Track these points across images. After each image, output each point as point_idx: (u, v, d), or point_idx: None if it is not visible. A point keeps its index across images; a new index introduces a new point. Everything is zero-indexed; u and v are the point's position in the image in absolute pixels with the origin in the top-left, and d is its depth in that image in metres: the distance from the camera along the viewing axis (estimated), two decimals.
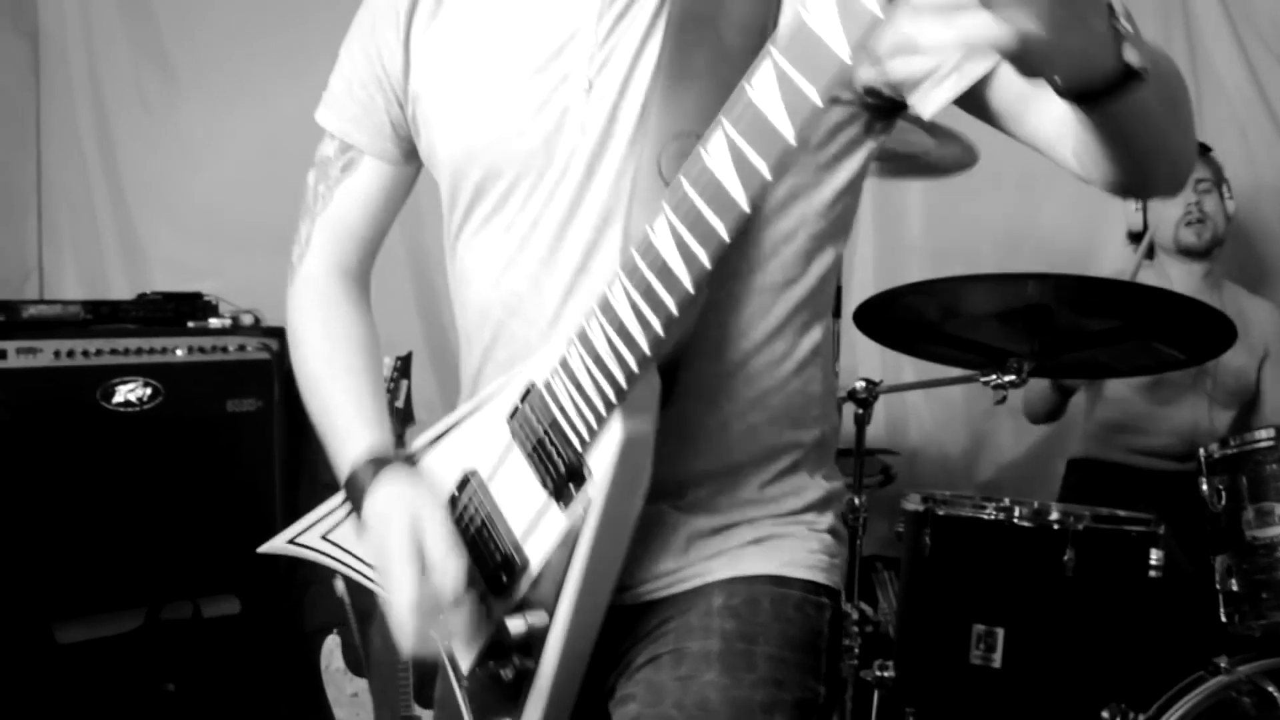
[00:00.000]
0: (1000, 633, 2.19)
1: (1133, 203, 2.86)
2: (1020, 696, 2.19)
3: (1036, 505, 2.21)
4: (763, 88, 0.80)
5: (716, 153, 0.84)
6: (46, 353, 2.54)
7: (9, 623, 2.47)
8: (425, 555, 1.05)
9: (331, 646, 2.59)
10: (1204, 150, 2.83)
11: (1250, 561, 1.90)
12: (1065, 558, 2.14)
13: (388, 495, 1.10)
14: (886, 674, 2.37)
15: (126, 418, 2.64)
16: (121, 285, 2.96)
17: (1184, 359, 2.37)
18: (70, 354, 2.56)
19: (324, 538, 1.27)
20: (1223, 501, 1.96)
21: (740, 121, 0.83)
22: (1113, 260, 3.23)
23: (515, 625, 1.06)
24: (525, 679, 1.06)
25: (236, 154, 3.01)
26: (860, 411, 2.44)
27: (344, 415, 1.19)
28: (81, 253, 2.94)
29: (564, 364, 1.00)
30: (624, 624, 1.11)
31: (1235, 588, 1.93)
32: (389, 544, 1.06)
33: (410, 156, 1.25)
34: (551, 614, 1.04)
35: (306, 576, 2.88)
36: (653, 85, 1.06)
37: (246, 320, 2.90)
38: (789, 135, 0.80)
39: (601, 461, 0.99)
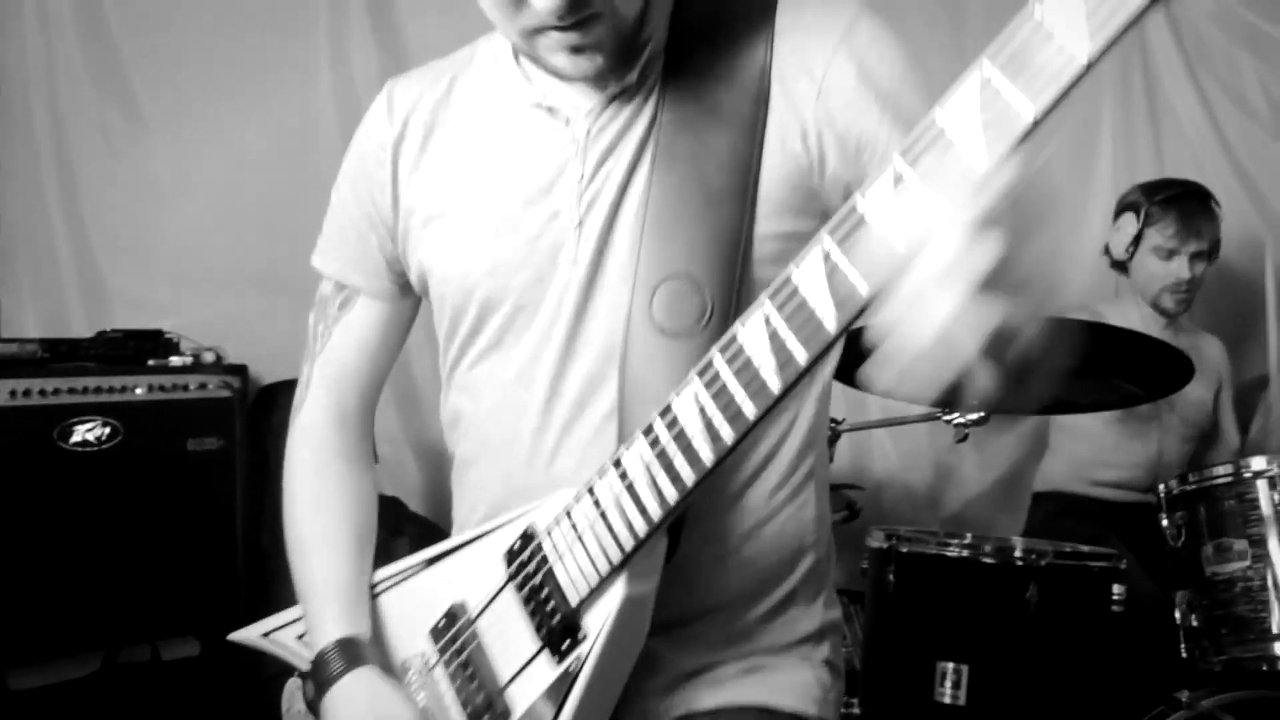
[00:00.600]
0: (965, 669, 2.19)
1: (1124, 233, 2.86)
2: None
3: (999, 542, 2.21)
4: (810, 275, 0.79)
5: (753, 334, 0.83)
6: (2, 392, 2.49)
7: None
8: None
9: (293, 689, 2.54)
10: (1211, 211, 2.80)
11: (1210, 597, 1.91)
12: (1029, 594, 2.14)
13: (357, 692, 1.08)
14: (852, 711, 2.36)
15: (85, 457, 2.60)
16: (81, 323, 2.92)
17: (1144, 395, 2.39)
18: (27, 393, 2.52)
19: (300, 638, 1.24)
20: (1182, 537, 1.98)
21: (783, 306, 0.81)
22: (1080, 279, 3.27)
23: None
24: None
25: (201, 192, 2.99)
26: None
27: (319, 590, 1.17)
28: (40, 291, 2.90)
29: (569, 515, 0.99)
30: None
31: (1195, 623, 1.94)
32: None
33: (407, 291, 1.25)
34: None
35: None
36: (640, 226, 1.06)
37: (208, 358, 2.87)
38: (831, 326, 0.79)
39: (599, 620, 0.98)
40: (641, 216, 1.06)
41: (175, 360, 2.79)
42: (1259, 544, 1.82)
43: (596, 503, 0.95)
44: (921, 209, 0.71)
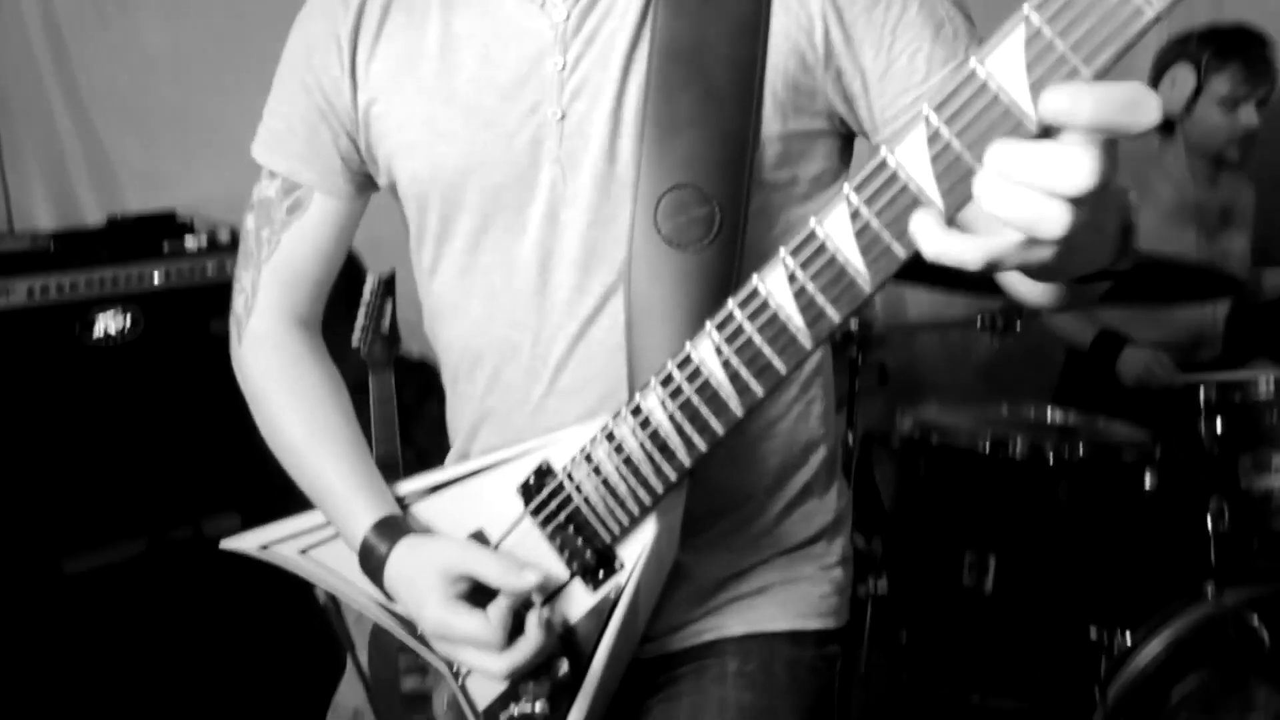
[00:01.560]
0: (992, 559, 2.22)
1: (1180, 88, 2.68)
2: (1010, 619, 2.23)
3: (1031, 434, 2.19)
4: (838, 230, 0.74)
5: (777, 289, 0.79)
6: (19, 292, 2.46)
7: (18, 558, 2.49)
8: (491, 584, 1.00)
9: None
10: (1272, 55, 2.62)
11: (1244, 509, 1.89)
12: (1059, 488, 2.14)
13: (409, 558, 1.05)
14: (879, 591, 2.41)
15: (108, 350, 2.59)
16: (92, 206, 2.85)
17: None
18: (44, 290, 2.49)
19: (304, 553, 1.23)
20: (1220, 445, 1.94)
21: (809, 262, 0.76)
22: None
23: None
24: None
25: (198, 61, 2.85)
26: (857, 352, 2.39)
27: (339, 485, 1.12)
28: (48, 176, 2.82)
29: (589, 458, 0.97)
30: (639, 675, 1.11)
31: (1226, 531, 1.93)
32: (428, 607, 1.02)
33: (363, 189, 1.17)
34: (579, 672, 1.03)
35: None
36: (639, 129, 0.99)
37: (223, 237, 2.81)
38: (865, 286, 0.74)
39: (633, 553, 0.99)
40: (640, 118, 0.99)
41: (190, 242, 2.73)
42: None
43: (619, 448, 0.94)
44: (958, 164, 0.66)
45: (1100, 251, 0.77)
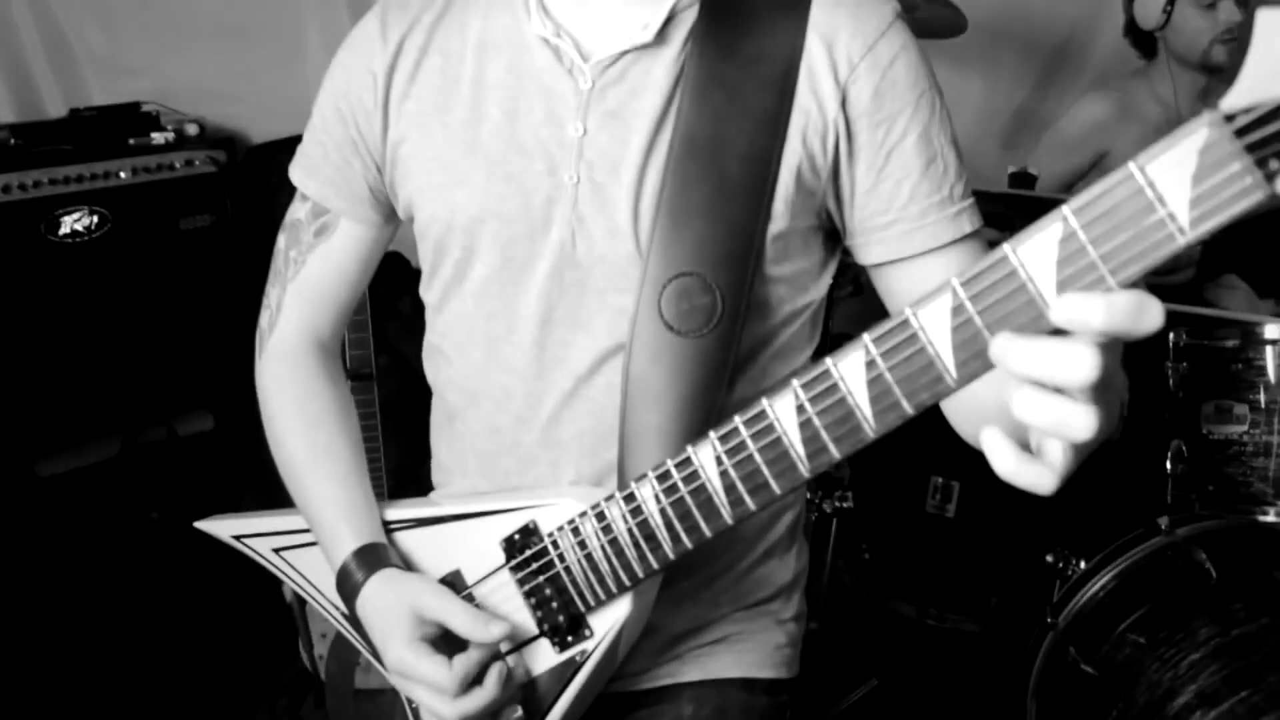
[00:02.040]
0: (956, 485, 2.27)
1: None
2: (971, 543, 2.31)
3: None
4: (852, 377, 0.76)
5: (784, 417, 0.81)
6: None
7: None
8: (456, 631, 1.02)
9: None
10: None
11: (1203, 454, 1.94)
12: None
13: (383, 590, 1.07)
14: (845, 504, 2.48)
15: (77, 248, 2.55)
16: (55, 97, 2.76)
17: None
18: (7, 189, 2.43)
19: (277, 552, 1.26)
20: (1185, 389, 1.98)
21: (818, 401, 0.78)
22: (1104, 50, 3.08)
23: None
24: None
25: None
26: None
27: (329, 505, 1.14)
28: (7, 66, 2.71)
29: (575, 531, 0.99)
30: (594, 711, 1.13)
31: (1183, 473, 1.98)
32: (393, 642, 1.04)
33: (390, 219, 1.20)
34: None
35: None
36: (655, 217, 1.01)
37: (191, 130, 2.75)
38: (869, 432, 0.77)
39: (605, 624, 1.02)
40: (656, 202, 1.02)
41: (157, 137, 2.66)
42: (1259, 411, 1.83)
43: (607, 528, 0.97)
44: (977, 339, 0.69)
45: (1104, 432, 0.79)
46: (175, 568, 2.64)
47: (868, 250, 1.07)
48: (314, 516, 1.15)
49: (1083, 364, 0.64)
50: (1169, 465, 1.99)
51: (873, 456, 2.33)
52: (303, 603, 1.38)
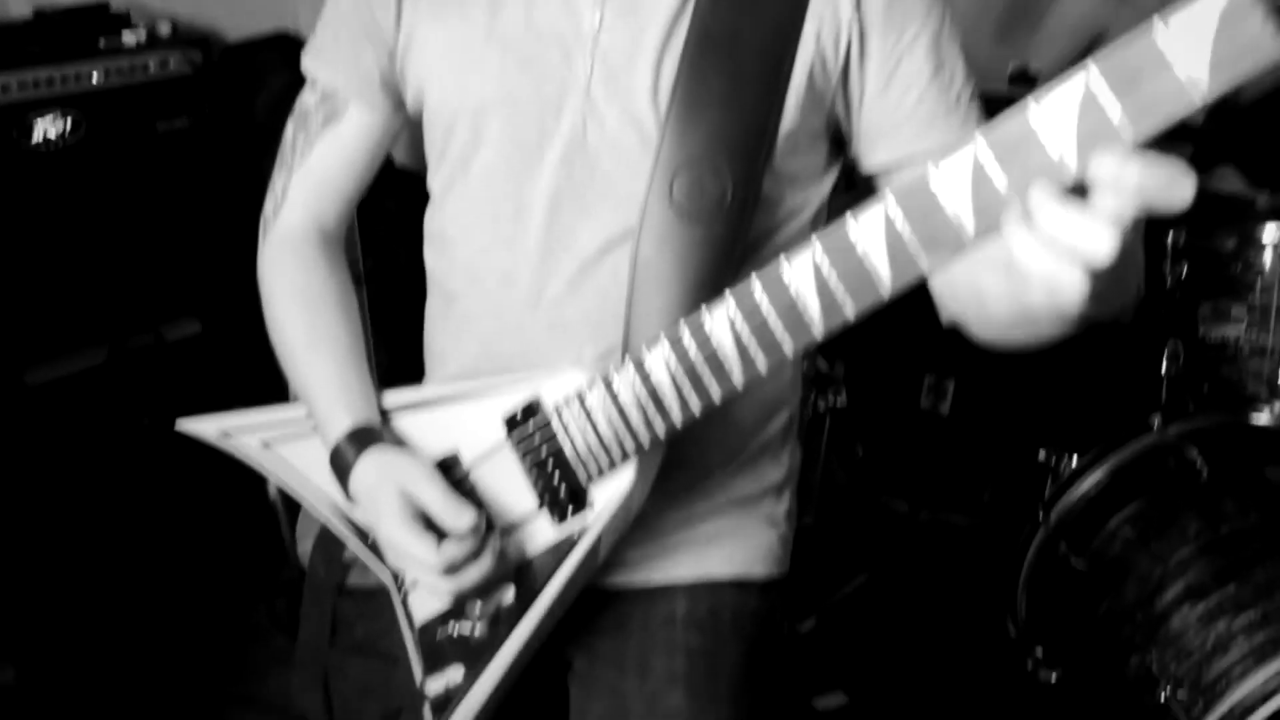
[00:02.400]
0: (950, 383, 2.28)
1: None
2: (964, 440, 2.32)
3: None
4: (869, 231, 0.77)
5: (800, 273, 0.83)
6: None
7: None
8: (432, 517, 1.03)
9: None
10: None
11: (1199, 355, 1.94)
12: None
13: (374, 468, 1.07)
14: (839, 402, 2.48)
15: (51, 155, 2.48)
16: None
17: None
18: None
19: (267, 446, 1.25)
20: (1182, 289, 1.97)
21: (835, 255, 0.80)
22: None
23: (434, 686, 1.11)
24: (485, 648, 1.10)
25: None
26: None
27: (325, 388, 1.14)
28: None
29: (582, 401, 1.00)
30: (585, 604, 1.15)
31: (1179, 373, 1.98)
32: (384, 519, 1.05)
33: (398, 108, 1.19)
34: (525, 602, 1.07)
35: None
36: (670, 104, 1.03)
37: (164, 30, 2.65)
38: (884, 290, 0.78)
39: (606, 495, 1.03)
40: (671, 91, 1.03)
41: (129, 38, 2.57)
42: (1256, 313, 1.82)
43: (615, 397, 0.98)
44: (997, 198, 0.70)
45: (1112, 306, 0.78)
46: (168, 473, 2.64)
47: (873, 153, 1.09)
48: (310, 398, 1.15)
49: (1103, 242, 0.65)
50: (1164, 366, 1.99)
51: (867, 354, 2.33)
52: (289, 502, 1.37)
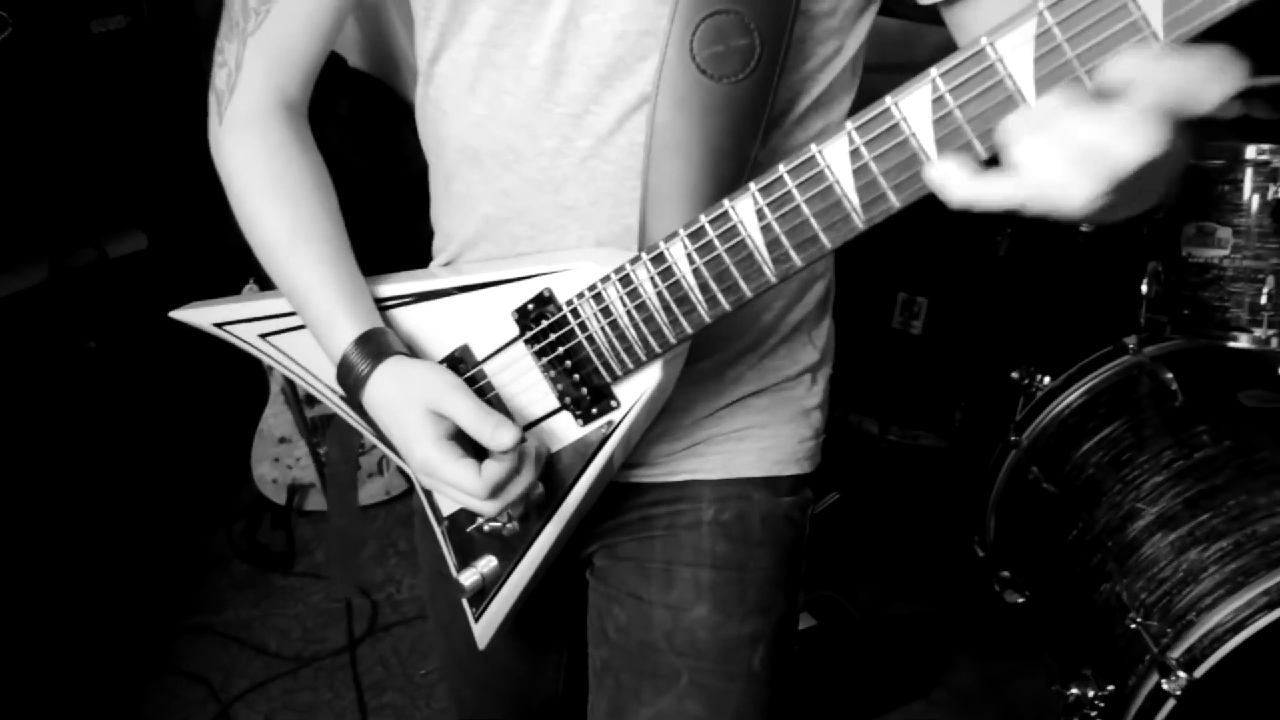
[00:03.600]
0: (924, 302, 2.22)
1: None
2: (937, 359, 2.27)
3: None
4: (915, 114, 0.70)
5: (836, 162, 0.74)
6: None
7: None
8: (467, 431, 0.93)
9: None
10: None
11: (1179, 276, 1.88)
12: (999, 239, 2.11)
13: (393, 383, 0.97)
14: None
15: None
16: None
17: None
18: None
19: (264, 338, 1.17)
20: (1163, 209, 1.90)
21: (875, 144, 0.72)
22: None
23: (469, 578, 1.06)
24: (516, 542, 1.06)
25: None
26: None
27: (320, 290, 1.02)
28: None
29: (598, 297, 0.91)
30: (612, 499, 1.10)
31: (1157, 296, 1.93)
32: (415, 444, 0.94)
33: None
34: (554, 498, 1.02)
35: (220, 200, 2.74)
36: None
37: None
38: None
39: (631, 395, 0.96)
40: None
41: None
42: (1242, 235, 1.76)
43: (634, 293, 0.89)
44: (958, 129, 0.68)
45: (1146, 200, 0.74)
46: (118, 396, 2.56)
47: None
48: (303, 303, 1.04)
49: (1131, 146, 0.60)
50: (1144, 287, 1.94)
51: (838, 273, 2.25)
52: (295, 390, 1.28)
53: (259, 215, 1.04)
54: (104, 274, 2.64)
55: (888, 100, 0.70)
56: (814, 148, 0.74)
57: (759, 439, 1.13)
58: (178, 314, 1.22)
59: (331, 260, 1.03)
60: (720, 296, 0.85)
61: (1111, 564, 1.86)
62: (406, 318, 1.05)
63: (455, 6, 0.96)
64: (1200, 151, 1.81)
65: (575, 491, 1.00)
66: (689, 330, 0.88)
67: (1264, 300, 1.75)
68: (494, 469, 0.92)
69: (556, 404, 0.99)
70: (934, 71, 0.67)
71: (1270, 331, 1.77)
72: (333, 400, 1.15)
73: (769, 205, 0.79)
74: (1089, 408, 2.08)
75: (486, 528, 1.05)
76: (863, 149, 0.72)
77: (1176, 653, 1.66)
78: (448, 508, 1.10)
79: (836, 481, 2.47)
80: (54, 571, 2.55)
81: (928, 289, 2.21)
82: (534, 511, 1.03)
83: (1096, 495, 1.96)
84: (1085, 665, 1.89)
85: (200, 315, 1.20)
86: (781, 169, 0.77)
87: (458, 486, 0.92)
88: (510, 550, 1.05)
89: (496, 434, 0.91)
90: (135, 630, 2.52)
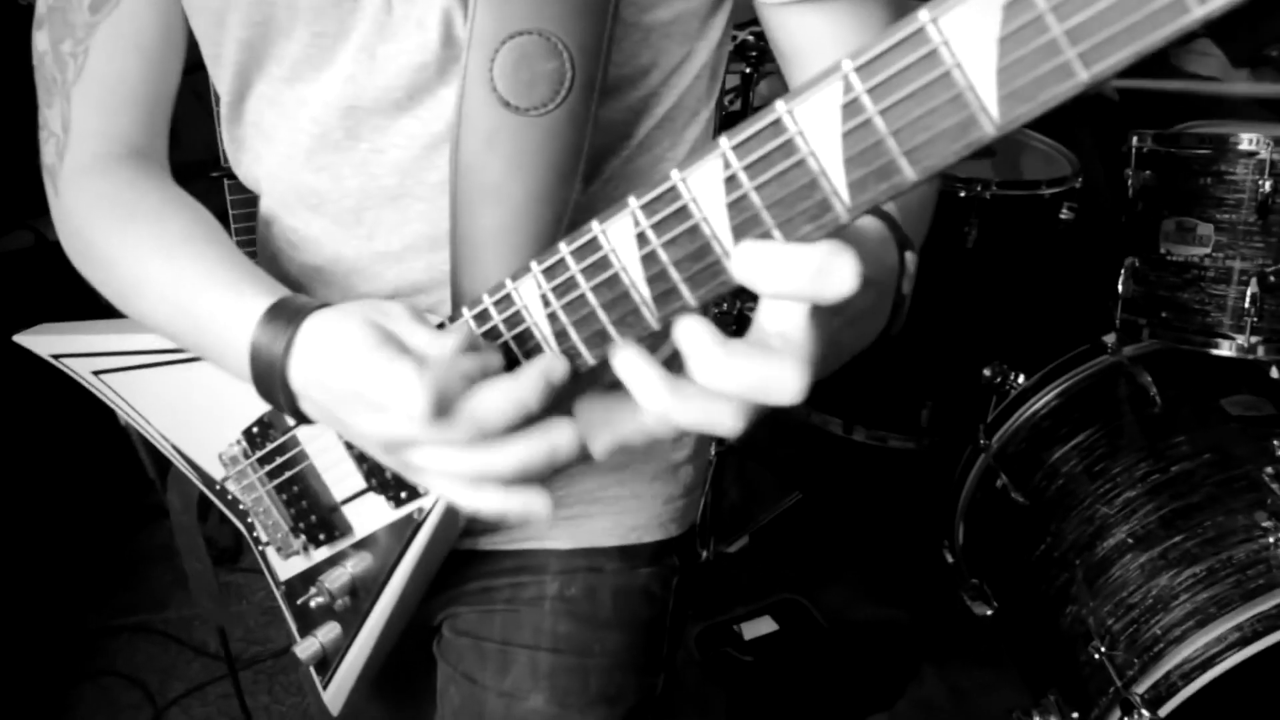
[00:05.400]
0: None
1: None
2: (902, 354, 2.14)
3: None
4: (704, 190, 0.56)
5: (621, 245, 0.60)
6: None
7: None
8: (414, 347, 0.69)
9: None
10: None
11: (1158, 275, 1.73)
12: (966, 229, 1.96)
13: (324, 329, 0.72)
14: None
15: None
16: None
17: None
18: None
19: (97, 374, 1.04)
20: (1144, 199, 1.74)
21: (664, 228, 0.58)
22: None
23: (307, 649, 0.94)
24: (351, 615, 0.94)
25: None
26: None
27: (208, 281, 0.80)
28: None
29: None
30: (454, 564, 0.97)
31: (1135, 294, 1.78)
32: (353, 352, 0.68)
33: None
34: (380, 579, 0.89)
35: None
36: None
37: None
38: (731, 274, 0.57)
39: None
40: None
41: None
42: (1225, 232, 1.60)
43: None
44: (751, 212, 0.54)
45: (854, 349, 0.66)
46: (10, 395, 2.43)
47: None
48: (189, 306, 0.81)
49: (784, 386, 0.55)
50: (1121, 285, 1.79)
51: None
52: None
53: (118, 252, 0.84)
54: (40, 257, 2.52)
55: (674, 175, 0.55)
56: (595, 225, 0.60)
57: (613, 502, 0.99)
58: (22, 339, 1.08)
59: (217, 256, 0.83)
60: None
61: (1079, 585, 1.73)
62: (213, 375, 0.89)
63: (242, 42, 0.82)
64: (1181, 137, 1.65)
65: (398, 574, 0.88)
66: None
67: (1247, 304, 1.60)
68: (445, 362, 0.67)
69: (363, 484, 0.85)
70: (723, 142, 0.53)
71: (1254, 339, 1.62)
72: (166, 447, 1.03)
73: (553, 291, 0.64)
74: (1063, 410, 1.95)
75: (314, 603, 0.93)
76: (649, 233, 0.58)
77: (1141, 688, 1.54)
78: (284, 571, 0.98)
79: (799, 481, 2.35)
80: None
81: None
82: (362, 589, 0.91)
83: (1067, 508, 1.83)
84: (1050, 689, 1.77)
85: (40, 343, 1.05)
86: (564, 249, 0.62)
87: (395, 387, 0.66)
88: (349, 623, 0.94)
89: (443, 339, 0.68)
90: (73, 629, 2.43)
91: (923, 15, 0.46)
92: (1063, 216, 2.07)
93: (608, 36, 0.75)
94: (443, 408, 0.65)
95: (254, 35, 0.82)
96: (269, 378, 0.75)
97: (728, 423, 0.58)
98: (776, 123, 0.51)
